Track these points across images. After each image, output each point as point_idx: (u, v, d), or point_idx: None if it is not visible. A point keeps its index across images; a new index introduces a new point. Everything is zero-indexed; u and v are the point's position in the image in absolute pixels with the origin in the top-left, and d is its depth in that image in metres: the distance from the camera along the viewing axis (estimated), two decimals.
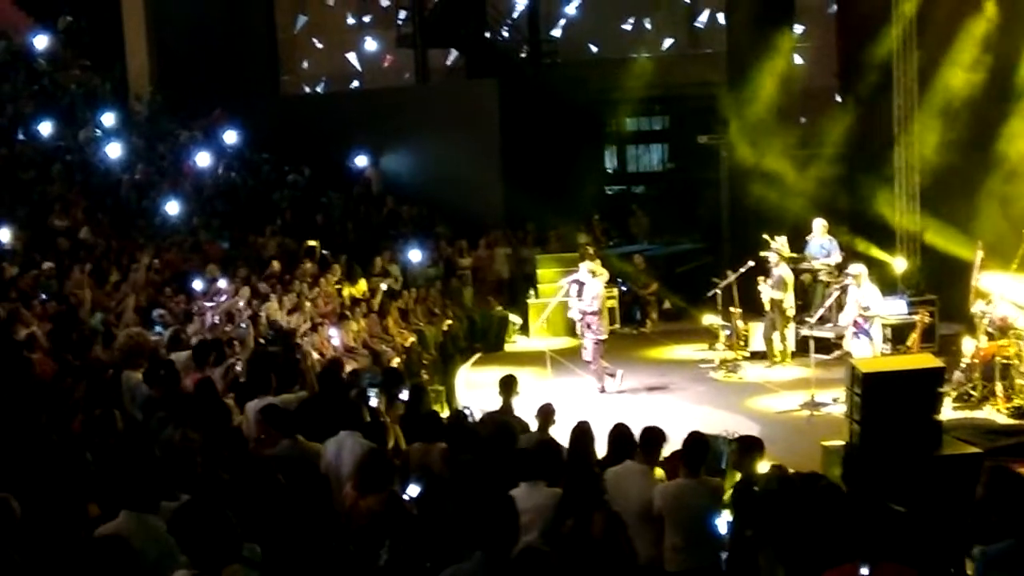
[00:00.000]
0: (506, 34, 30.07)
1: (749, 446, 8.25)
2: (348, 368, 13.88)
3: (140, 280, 16.08)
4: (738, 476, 8.13)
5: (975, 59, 17.65)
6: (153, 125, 24.41)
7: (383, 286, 19.23)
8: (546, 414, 9.58)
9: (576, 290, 16.55)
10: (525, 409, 10.40)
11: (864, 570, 5.21)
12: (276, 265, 18.43)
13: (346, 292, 18.59)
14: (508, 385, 10.50)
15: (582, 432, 8.88)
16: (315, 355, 14.41)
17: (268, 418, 8.87)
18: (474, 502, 5.98)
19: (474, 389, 16.30)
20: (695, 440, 7.89)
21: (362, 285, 19.43)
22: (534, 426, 9.78)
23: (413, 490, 7.63)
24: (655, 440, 8.19)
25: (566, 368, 17.24)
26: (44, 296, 14.68)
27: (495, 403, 10.81)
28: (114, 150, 22.14)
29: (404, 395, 10.55)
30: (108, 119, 23.39)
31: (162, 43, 26.46)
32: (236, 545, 5.40)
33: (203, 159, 23.25)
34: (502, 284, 22.74)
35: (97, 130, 23.06)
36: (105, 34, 26.57)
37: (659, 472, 8.14)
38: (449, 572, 5.66)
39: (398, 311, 18.74)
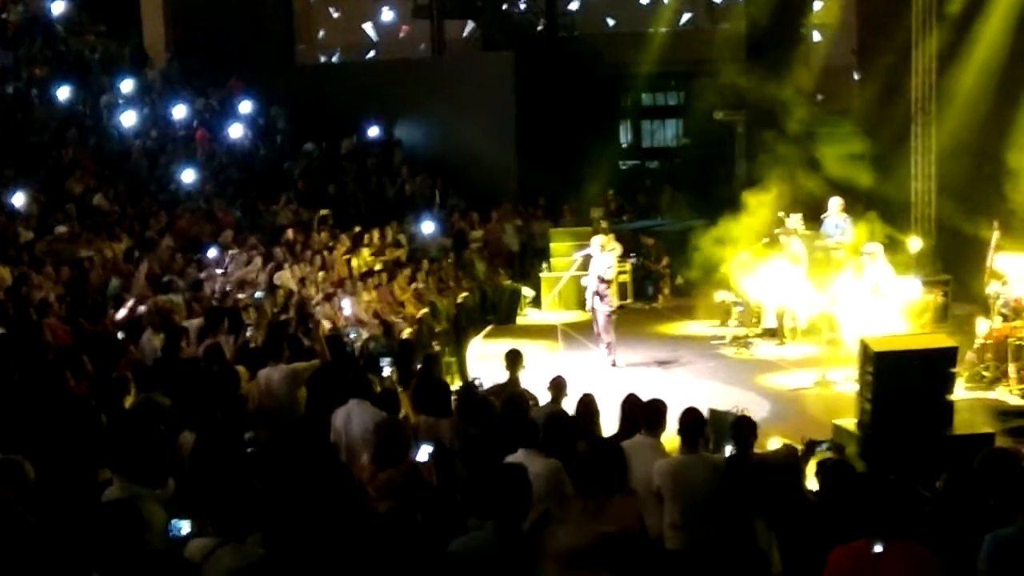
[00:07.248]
0: (523, 6, 29.90)
1: (743, 430, 7.98)
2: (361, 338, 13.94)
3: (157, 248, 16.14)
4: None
5: (996, 37, 17.49)
6: (168, 92, 24.37)
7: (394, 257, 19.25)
8: (558, 386, 9.54)
9: (588, 263, 16.54)
10: (536, 382, 10.39)
11: (878, 547, 5.19)
12: (290, 234, 18.42)
13: (355, 263, 18.58)
14: (514, 359, 10.48)
15: (586, 405, 8.84)
16: (327, 324, 14.43)
17: None
18: (486, 472, 5.93)
19: (485, 361, 16.30)
20: (691, 415, 7.65)
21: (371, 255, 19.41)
22: (543, 399, 9.76)
23: (423, 454, 7.45)
24: (658, 412, 7.95)
25: (577, 342, 17.23)
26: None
27: (502, 376, 10.80)
28: (129, 117, 22.13)
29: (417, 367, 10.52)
30: (126, 85, 23.37)
31: (178, 10, 26.38)
32: (260, 514, 5.42)
33: (236, 131, 23.29)
34: (512, 257, 22.71)
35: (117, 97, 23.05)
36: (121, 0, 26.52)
37: (671, 446, 8.02)
38: (460, 542, 5.60)
39: (405, 281, 18.74)
